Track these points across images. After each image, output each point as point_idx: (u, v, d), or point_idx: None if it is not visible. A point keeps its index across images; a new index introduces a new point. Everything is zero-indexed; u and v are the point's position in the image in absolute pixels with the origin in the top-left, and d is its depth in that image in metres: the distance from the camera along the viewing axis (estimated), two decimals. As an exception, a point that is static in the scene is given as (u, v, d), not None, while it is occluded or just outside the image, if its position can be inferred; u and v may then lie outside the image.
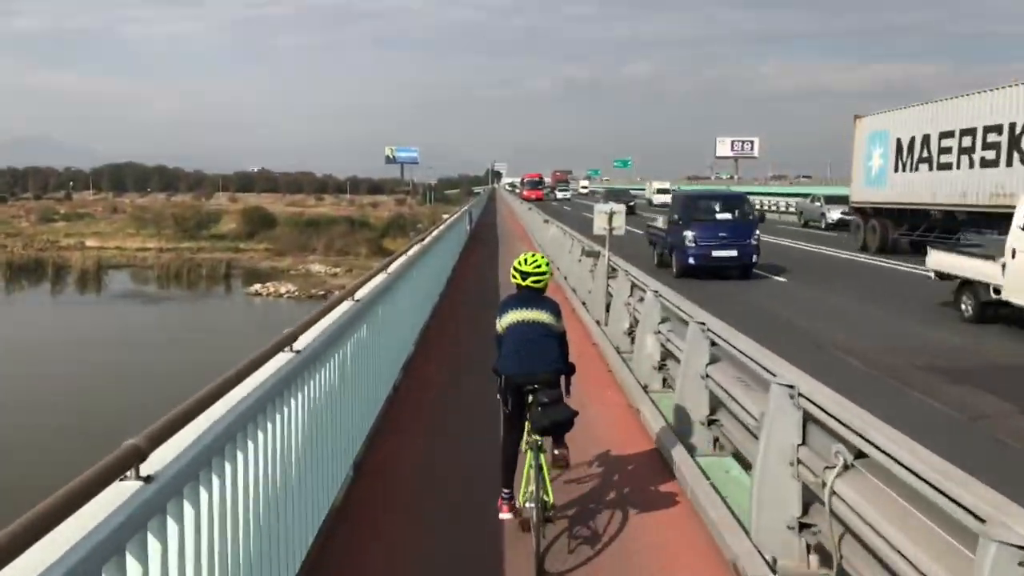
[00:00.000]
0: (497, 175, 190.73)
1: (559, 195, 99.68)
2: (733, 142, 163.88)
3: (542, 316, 5.37)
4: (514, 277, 5.57)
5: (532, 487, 5.13)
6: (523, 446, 5.37)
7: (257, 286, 47.72)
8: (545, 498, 5.15)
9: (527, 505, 5.19)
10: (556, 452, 5.51)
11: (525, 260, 5.57)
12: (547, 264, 5.66)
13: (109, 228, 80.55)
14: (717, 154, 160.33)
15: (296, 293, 45.89)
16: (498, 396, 5.42)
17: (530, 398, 5.22)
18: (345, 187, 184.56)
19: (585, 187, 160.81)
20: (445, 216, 32.69)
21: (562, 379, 5.43)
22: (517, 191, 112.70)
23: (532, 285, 5.51)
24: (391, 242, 65.93)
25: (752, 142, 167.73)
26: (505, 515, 5.49)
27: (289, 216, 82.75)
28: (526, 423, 5.32)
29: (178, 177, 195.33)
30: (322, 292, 45.47)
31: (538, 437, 5.19)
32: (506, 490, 5.50)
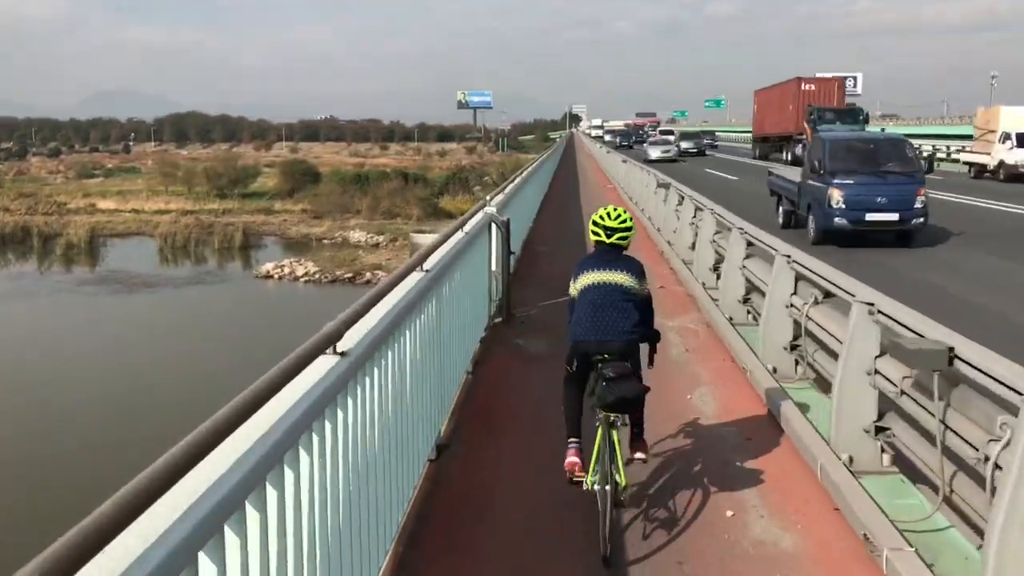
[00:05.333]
0: (575, 119, 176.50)
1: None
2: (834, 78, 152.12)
3: (622, 278, 4.69)
4: (595, 234, 4.84)
5: (602, 466, 4.42)
6: (596, 422, 4.58)
7: (269, 266, 37.06)
8: (617, 479, 4.41)
9: (596, 488, 4.45)
10: (632, 455, 4.82)
11: (608, 214, 4.82)
12: (631, 219, 4.88)
13: (137, 186, 71.44)
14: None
15: (317, 276, 35.10)
16: (566, 365, 4.84)
17: (598, 368, 4.55)
18: (413, 134, 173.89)
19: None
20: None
21: (644, 348, 4.89)
22: (619, 140, 77.37)
23: (617, 242, 4.80)
24: (449, 201, 55.00)
25: (855, 78, 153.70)
26: (572, 458, 4.72)
27: (338, 169, 72.26)
28: (593, 397, 4.60)
29: (241, 127, 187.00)
30: (349, 274, 34.75)
31: (610, 413, 4.46)
32: (573, 439, 4.79)
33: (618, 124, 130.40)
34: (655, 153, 47.79)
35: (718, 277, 10.81)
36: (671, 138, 57.41)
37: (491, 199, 10.19)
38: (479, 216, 8.56)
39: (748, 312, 9.12)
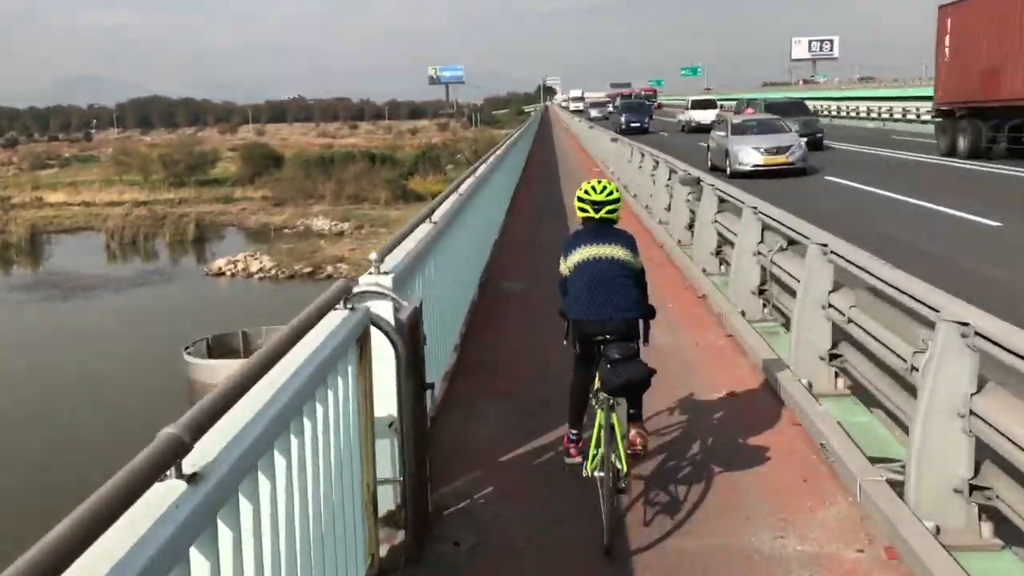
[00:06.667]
0: (550, 92, 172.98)
1: None
2: (811, 42, 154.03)
3: (618, 251, 4.50)
4: (582, 210, 4.61)
5: (601, 451, 4.25)
6: (592, 402, 4.51)
7: (221, 262, 34.13)
8: (618, 465, 4.24)
9: (596, 473, 4.29)
10: (631, 434, 4.45)
11: (593, 188, 4.61)
12: (617, 190, 4.67)
13: (92, 176, 67.95)
14: (793, 56, 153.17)
15: (273, 271, 32.23)
16: (564, 342, 4.65)
17: (600, 349, 4.36)
18: (384, 112, 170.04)
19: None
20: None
21: (640, 324, 4.61)
22: (624, 120, 43.65)
23: (607, 216, 4.58)
24: (420, 182, 52.13)
25: (831, 41, 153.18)
26: (573, 459, 4.65)
27: (302, 152, 69.02)
28: (595, 378, 4.49)
29: (205, 110, 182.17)
30: (309, 269, 31.92)
31: (609, 396, 4.29)
32: (574, 430, 4.70)
33: (599, 96, 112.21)
34: (751, 155, 21.15)
35: (839, 375, 5.95)
36: (772, 117, 25.78)
37: (380, 258, 4.26)
38: (331, 324, 3.21)
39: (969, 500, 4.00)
